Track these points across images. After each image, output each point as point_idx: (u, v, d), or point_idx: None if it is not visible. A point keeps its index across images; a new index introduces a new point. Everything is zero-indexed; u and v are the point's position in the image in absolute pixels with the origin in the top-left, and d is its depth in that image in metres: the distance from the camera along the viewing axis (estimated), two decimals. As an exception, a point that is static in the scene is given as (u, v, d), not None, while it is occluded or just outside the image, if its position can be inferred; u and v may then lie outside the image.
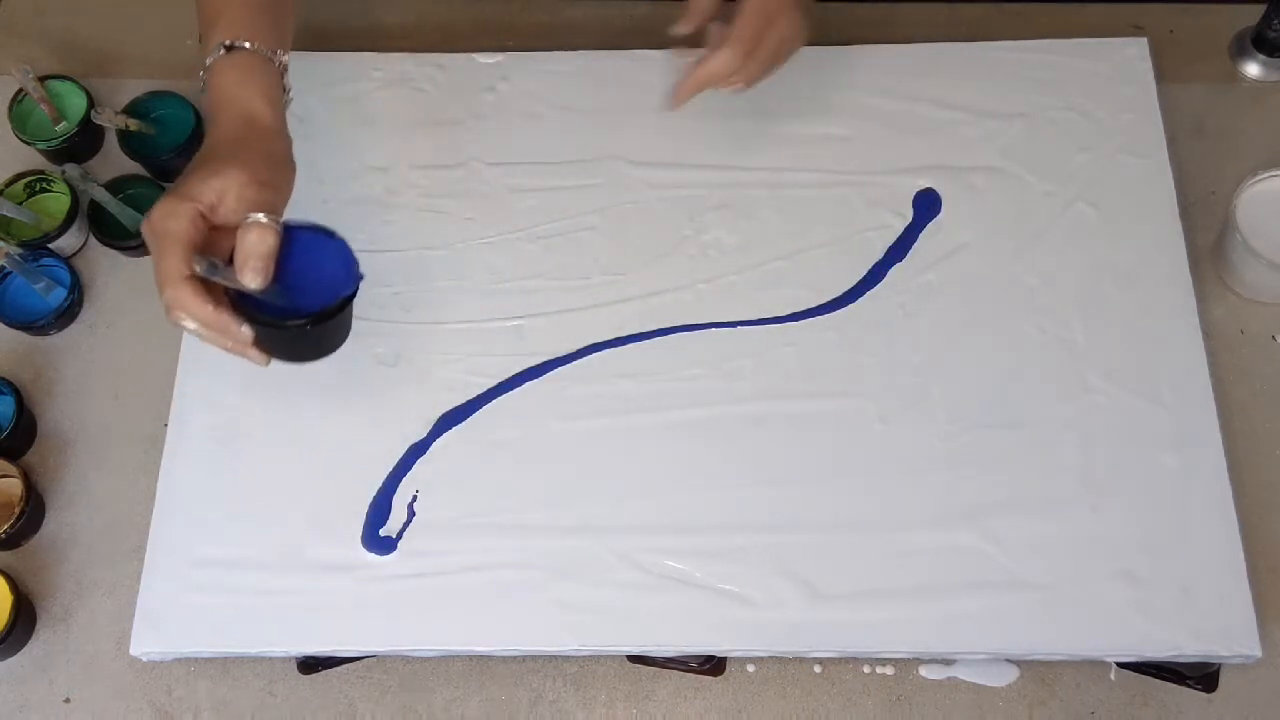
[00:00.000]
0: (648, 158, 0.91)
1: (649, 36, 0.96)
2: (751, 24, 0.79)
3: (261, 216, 0.71)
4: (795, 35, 0.82)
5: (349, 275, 0.76)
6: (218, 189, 0.71)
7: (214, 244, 0.73)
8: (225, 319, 0.72)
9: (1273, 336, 0.88)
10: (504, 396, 0.84)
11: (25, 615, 0.82)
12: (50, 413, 0.89)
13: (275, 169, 0.75)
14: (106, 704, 0.81)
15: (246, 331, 0.72)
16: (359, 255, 0.80)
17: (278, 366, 0.82)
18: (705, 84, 0.80)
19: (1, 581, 0.81)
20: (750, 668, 0.81)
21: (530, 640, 0.78)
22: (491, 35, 0.99)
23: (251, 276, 0.70)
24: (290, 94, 0.81)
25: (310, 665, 0.81)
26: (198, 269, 0.70)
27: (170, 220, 0.70)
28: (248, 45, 0.77)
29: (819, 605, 0.77)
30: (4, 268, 0.90)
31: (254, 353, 0.74)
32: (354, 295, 0.76)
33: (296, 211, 0.84)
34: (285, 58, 0.79)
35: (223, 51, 0.77)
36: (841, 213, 0.89)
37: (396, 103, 0.94)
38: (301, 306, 0.74)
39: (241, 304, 0.73)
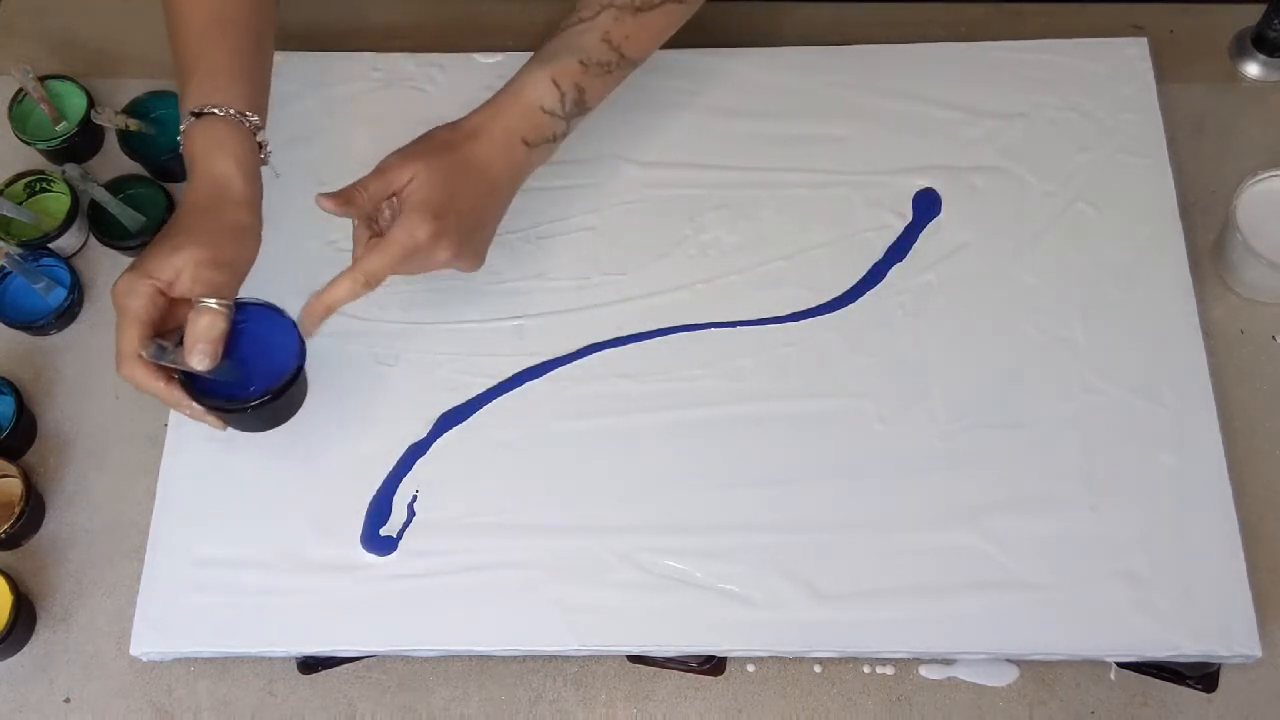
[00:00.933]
0: (647, 158, 0.91)
1: (649, 36, 0.96)
2: (388, 258, 0.75)
3: (212, 302, 0.73)
4: (445, 264, 0.78)
5: (295, 350, 0.78)
6: (176, 267, 0.74)
7: (173, 314, 0.76)
8: (177, 395, 0.76)
9: (1273, 336, 0.88)
10: (504, 396, 0.84)
11: (25, 615, 0.82)
12: (50, 413, 0.89)
13: (237, 244, 0.76)
14: (106, 704, 0.81)
15: (198, 407, 0.76)
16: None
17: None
18: (332, 309, 0.76)
19: (1, 581, 0.81)
20: (750, 668, 0.81)
21: (530, 640, 0.78)
22: (491, 35, 0.99)
23: (199, 359, 0.74)
24: (268, 149, 0.81)
25: (310, 665, 0.81)
26: (146, 354, 0.73)
27: (129, 297, 0.73)
28: (217, 111, 0.77)
29: (819, 605, 0.77)
30: (4, 268, 0.90)
31: (211, 419, 0.77)
32: (299, 373, 0.79)
33: (298, 210, 0.84)
34: (256, 118, 0.79)
35: (193, 119, 0.78)
36: (841, 213, 0.89)
37: (396, 103, 0.94)
38: (250, 379, 0.77)
39: (190, 380, 0.76)
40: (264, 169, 0.80)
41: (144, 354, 0.73)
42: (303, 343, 0.78)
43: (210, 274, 0.74)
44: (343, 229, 0.89)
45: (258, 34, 0.82)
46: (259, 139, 0.79)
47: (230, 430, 0.82)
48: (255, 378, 0.77)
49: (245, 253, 0.77)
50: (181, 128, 0.78)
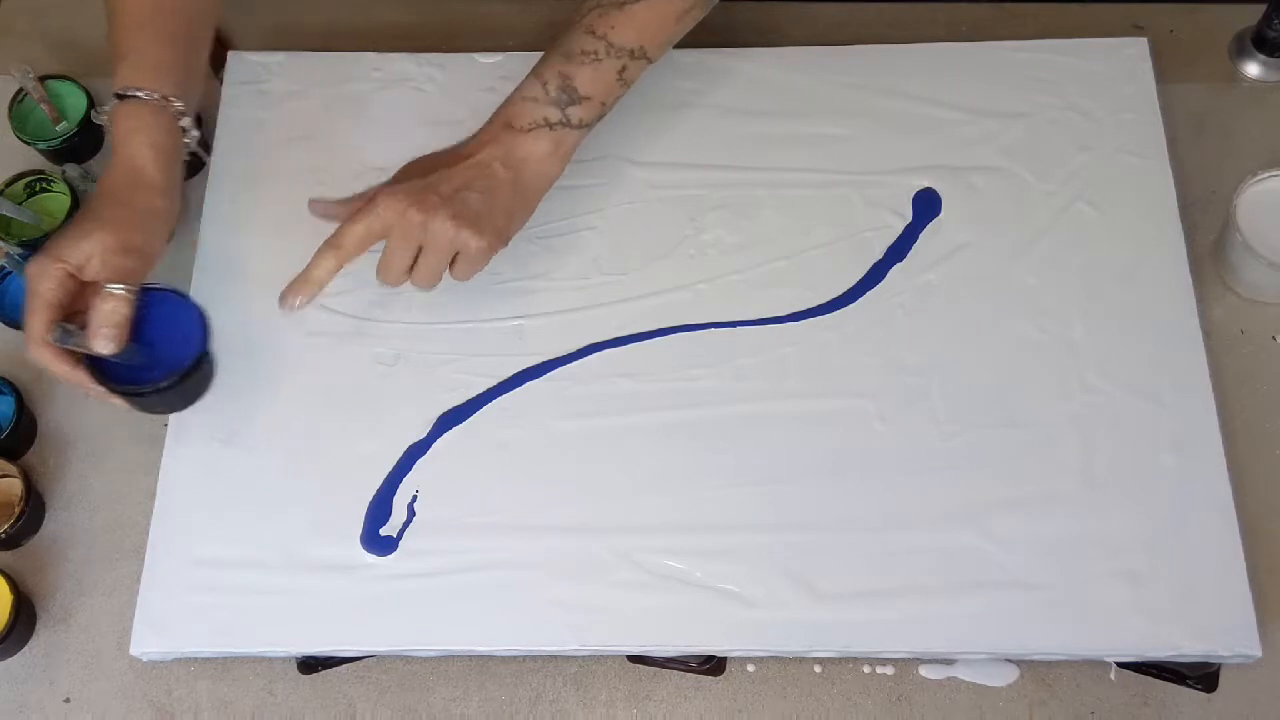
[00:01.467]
0: (648, 158, 0.92)
1: (649, 36, 0.96)
2: (348, 223, 0.78)
3: (118, 288, 0.75)
4: (420, 223, 0.77)
5: (200, 335, 0.79)
6: (86, 252, 0.75)
7: (84, 297, 0.77)
8: (81, 376, 0.77)
9: (1273, 336, 0.88)
10: (504, 396, 0.84)
11: (25, 615, 0.82)
12: (50, 413, 0.89)
13: (148, 230, 0.78)
14: (106, 704, 0.81)
15: (101, 389, 0.77)
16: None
17: (278, 370, 0.83)
18: (315, 288, 0.79)
19: (1, 581, 0.81)
20: (750, 668, 0.81)
21: (530, 640, 0.78)
22: (491, 35, 0.99)
23: (103, 344, 0.75)
24: (192, 133, 0.82)
25: (310, 665, 0.81)
26: (51, 337, 0.75)
27: (40, 280, 0.75)
28: (140, 94, 0.79)
29: (819, 605, 0.77)
30: (4, 268, 0.90)
31: (116, 400, 0.79)
32: (203, 358, 0.80)
33: (298, 209, 0.84)
34: (180, 104, 0.80)
35: (116, 101, 0.79)
36: (841, 213, 0.89)
37: (396, 103, 0.94)
38: (156, 363, 0.79)
39: (97, 363, 0.77)
40: (195, 137, 0.82)
41: (50, 337, 0.75)
42: (206, 328, 0.79)
43: (119, 260, 0.76)
44: (343, 229, 0.89)
45: (193, 23, 0.83)
46: (182, 124, 0.80)
47: (231, 430, 0.83)
48: (161, 362, 0.79)
49: (155, 238, 0.78)
50: (105, 109, 0.80)
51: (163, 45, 0.80)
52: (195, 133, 0.82)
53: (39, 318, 0.75)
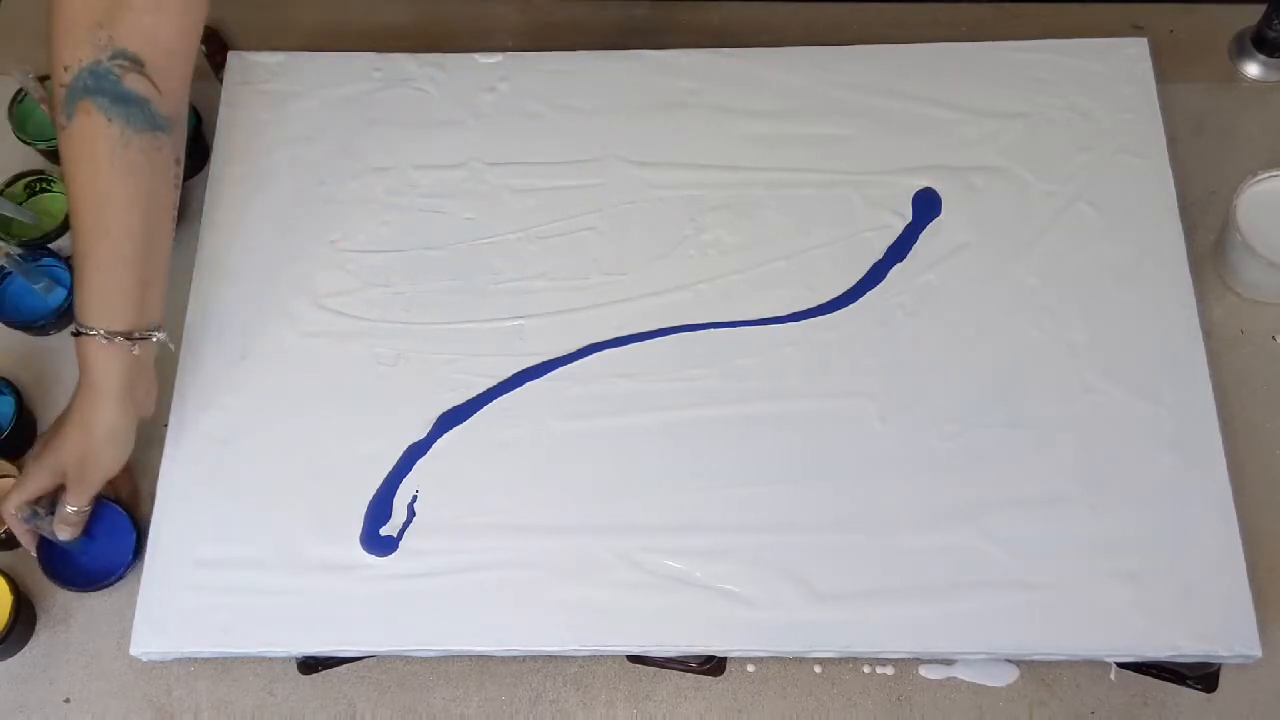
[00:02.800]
0: (648, 158, 0.91)
1: (649, 36, 0.96)
2: None
3: (72, 508, 0.80)
4: None
5: (133, 543, 0.83)
6: (46, 487, 0.80)
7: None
8: (31, 545, 0.83)
9: (1273, 336, 0.88)
10: (504, 396, 0.84)
11: (25, 615, 0.82)
12: (50, 413, 0.89)
13: (106, 454, 0.80)
14: (106, 704, 0.81)
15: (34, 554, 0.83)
16: (360, 255, 0.84)
17: (278, 370, 0.83)
18: None
19: (1, 581, 0.81)
20: (750, 668, 0.81)
21: (530, 640, 0.78)
22: (491, 35, 0.99)
23: (63, 533, 0.81)
24: (158, 336, 0.79)
25: (310, 665, 0.81)
26: (19, 515, 0.81)
27: (31, 480, 0.80)
28: (89, 333, 0.77)
29: (819, 605, 0.77)
30: (4, 268, 0.90)
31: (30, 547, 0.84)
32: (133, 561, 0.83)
33: (299, 210, 0.84)
34: (122, 339, 0.78)
35: (73, 335, 0.78)
36: (841, 213, 0.89)
37: (396, 103, 0.94)
38: (89, 549, 0.83)
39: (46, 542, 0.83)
40: (161, 339, 0.80)
41: (19, 515, 0.80)
42: (134, 536, 0.83)
43: (78, 490, 0.80)
44: (343, 228, 0.89)
45: (145, 237, 0.78)
46: (135, 351, 0.78)
47: (231, 430, 0.83)
48: (94, 551, 0.83)
49: (110, 459, 0.80)
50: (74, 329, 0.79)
51: (105, 276, 0.77)
52: (161, 335, 0.80)
53: (15, 498, 0.80)
